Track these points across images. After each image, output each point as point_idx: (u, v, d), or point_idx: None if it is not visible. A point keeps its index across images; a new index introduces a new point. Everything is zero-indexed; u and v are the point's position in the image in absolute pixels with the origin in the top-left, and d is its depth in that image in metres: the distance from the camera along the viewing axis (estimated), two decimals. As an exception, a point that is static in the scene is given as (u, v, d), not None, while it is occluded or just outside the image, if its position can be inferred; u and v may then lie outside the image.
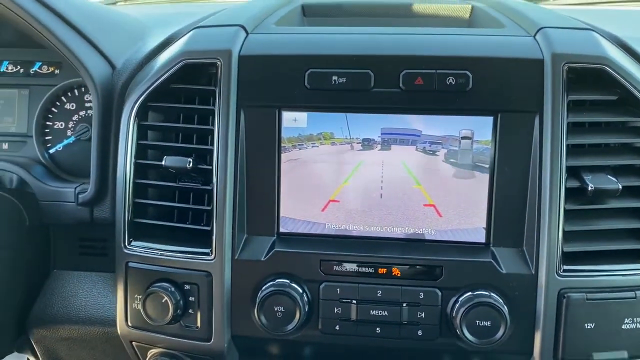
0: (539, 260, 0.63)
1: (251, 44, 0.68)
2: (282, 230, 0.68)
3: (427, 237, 0.67)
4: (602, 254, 0.64)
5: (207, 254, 0.66)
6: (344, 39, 0.68)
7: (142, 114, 0.69)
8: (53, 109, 0.87)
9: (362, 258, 0.66)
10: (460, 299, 0.64)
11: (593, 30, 0.68)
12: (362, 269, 0.66)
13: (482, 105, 0.64)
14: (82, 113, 0.86)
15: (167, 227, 0.69)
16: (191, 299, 0.67)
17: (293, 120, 0.67)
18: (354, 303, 0.65)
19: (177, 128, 0.70)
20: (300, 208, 0.68)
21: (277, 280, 0.65)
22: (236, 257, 0.66)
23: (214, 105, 0.67)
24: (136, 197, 0.69)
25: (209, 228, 0.67)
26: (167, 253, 0.68)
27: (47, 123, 0.86)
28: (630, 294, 0.63)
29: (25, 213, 0.77)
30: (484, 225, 0.66)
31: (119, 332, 0.72)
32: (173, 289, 0.66)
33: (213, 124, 0.67)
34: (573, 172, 0.64)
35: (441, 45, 0.66)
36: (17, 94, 0.90)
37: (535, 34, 0.67)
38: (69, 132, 0.86)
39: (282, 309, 0.64)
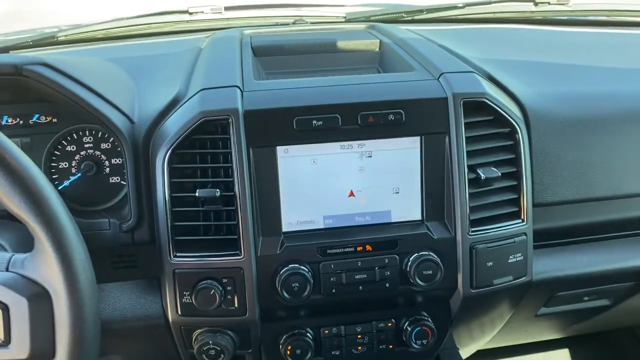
0: (456, 227, 0.98)
1: (250, 101, 0.94)
2: (285, 230, 0.97)
3: (386, 221, 0.99)
4: (493, 217, 1.01)
5: (237, 254, 0.93)
6: (317, 92, 0.96)
7: (171, 159, 0.93)
8: (56, 151, 1.05)
9: (345, 242, 0.96)
10: (411, 258, 0.97)
11: (474, 72, 1.03)
12: (346, 250, 0.96)
13: (413, 131, 0.97)
14: (83, 153, 1.06)
15: (200, 240, 0.94)
16: (229, 288, 0.93)
17: (285, 152, 0.95)
18: (343, 272, 0.96)
19: (202, 167, 0.94)
20: (296, 213, 0.97)
21: (290, 266, 0.94)
22: (259, 254, 0.94)
23: (228, 148, 0.93)
24: (175, 221, 0.93)
25: (236, 236, 0.93)
26: (206, 258, 0.93)
27: (52, 164, 1.05)
28: (511, 240, 1.01)
29: None
30: (420, 209, 1.00)
31: (170, 320, 0.97)
32: (216, 283, 0.92)
33: (231, 161, 0.93)
34: (471, 168, 0.99)
35: (383, 92, 0.97)
36: (19, 142, 1.06)
37: (438, 77, 1.01)
38: (73, 170, 1.06)
39: (297, 284, 0.93)
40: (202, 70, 1.06)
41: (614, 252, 1.16)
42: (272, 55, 1.23)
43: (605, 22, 1.64)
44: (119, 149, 1.01)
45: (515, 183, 1.01)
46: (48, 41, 1.46)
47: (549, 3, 1.63)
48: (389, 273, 0.97)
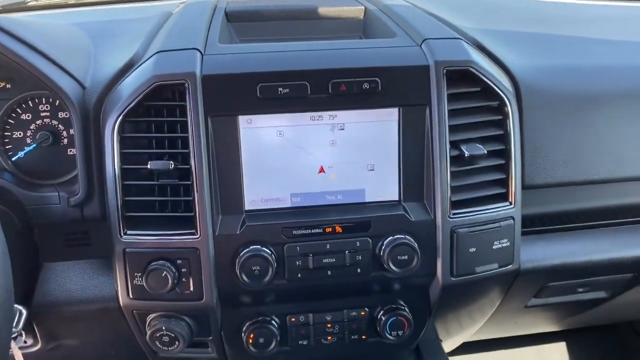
0: (435, 209, 0.89)
1: (209, 65, 0.85)
2: (247, 208, 0.88)
3: (360, 201, 0.90)
4: (477, 199, 0.92)
5: (193, 233, 0.85)
6: (284, 57, 0.88)
7: (122, 128, 0.85)
8: (10, 120, 0.97)
9: (312, 223, 0.88)
10: (385, 242, 0.88)
11: (461, 39, 0.94)
12: (314, 231, 0.88)
13: (390, 102, 0.88)
14: (39, 122, 0.97)
15: (153, 217, 0.86)
16: (183, 270, 0.85)
17: (247, 122, 0.86)
18: (310, 256, 0.88)
19: (156, 137, 0.86)
20: (260, 190, 0.88)
21: (251, 247, 0.86)
22: (216, 234, 0.86)
23: (185, 116, 0.84)
24: (125, 196, 0.85)
25: (192, 213, 0.85)
26: (159, 237, 0.85)
27: (6, 133, 0.97)
28: (497, 225, 0.92)
29: (15, 218, 0.90)
30: (397, 188, 0.91)
31: (121, 304, 0.89)
32: (169, 264, 0.84)
33: (186, 132, 0.84)
34: (454, 144, 0.90)
35: (357, 58, 0.88)
36: None
37: (421, 44, 0.91)
38: (28, 140, 0.98)
39: (258, 267, 0.85)
40: (164, 33, 0.97)
41: (611, 240, 1.06)
42: (247, 21, 1.14)
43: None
44: None
45: (503, 162, 0.92)
46: (18, 7, 1.39)
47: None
48: (360, 257, 0.89)
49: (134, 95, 0.83)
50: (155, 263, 0.84)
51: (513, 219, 0.93)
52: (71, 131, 0.96)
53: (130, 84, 0.86)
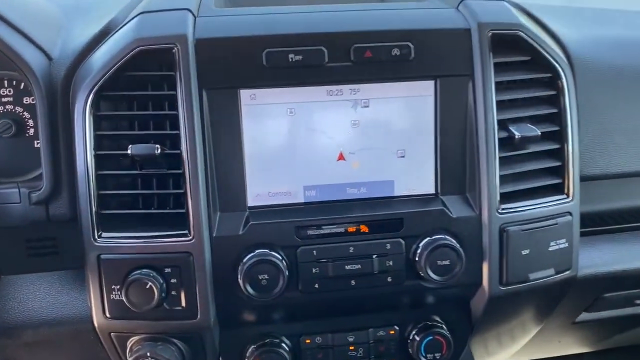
0: (481, 203, 0.73)
1: (204, 28, 0.69)
2: (251, 204, 0.72)
3: (388, 195, 0.74)
4: (528, 191, 0.76)
5: (184, 235, 0.68)
6: (296, 18, 0.72)
7: (96, 105, 0.68)
8: None
9: (333, 220, 0.72)
10: (421, 244, 0.72)
11: (504, 1, 0.79)
12: (334, 230, 0.72)
13: (424, 72, 0.72)
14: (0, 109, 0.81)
15: (135, 215, 0.70)
16: (173, 281, 0.68)
17: (251, 98, 0.70)
18: (330, 261, 0.71)
19: (138, 116, 0.69)
20: (267, 181, 0.72)
21: (257, 251, 0.69)
22: (214, 235, 0.69)
23: (174, 90, 0.68)
24: (100, 189, 0.69)
25: (183, 210, 0.69)
26: (142, 240, 0.68)
27: None
28: (553, 221, 0.76)
29: None
30: (434, 178, 0.75)
31: (95, 324, 0.72)
32: (154, 274, 0.67)
33: (176, 109, 0.68)
34: (501, 124, 0.74)
35: (385, 20, 0.73)
36: None
37: (457, 6, 0.76)
38: None
39: (266, 276, 0.68)
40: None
41: None
42: None
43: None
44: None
45: (557, 146, 0.77)
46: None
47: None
48: (391, 263, 0.72)
49: (111, 63, 0.67)
50: (138, 272, 0.67)
51: (571, 214, 0.77)
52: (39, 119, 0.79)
53: (107, 51, 0.70)
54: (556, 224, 0.76)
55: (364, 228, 0.72)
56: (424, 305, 0.80)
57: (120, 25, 0.73)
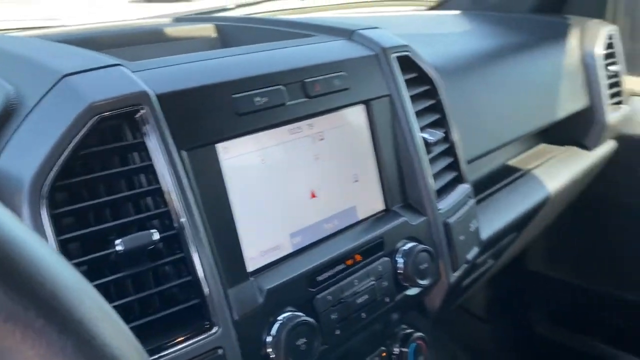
0: (425, 206, 0.81)
1: (156, 82, 0.58)
2: (250, 269, 0.63)
3: (355, 221, 0.75)
4: (445, 187, 0.87)
5: (206, 328, 0.56)
6: (250, 59, 0.67)
7: (51, 201, 0.50)
8: None
9: (332, 259, 0.68)
10: (401, 256, 0.75)
11: (380, 28, 0.88)
12: (337, 268, 0.68)
13: (357, 98, 0.76)
14: None
15: (136, 327, 0.53)
16: None
17: (226, 151, 0.62)
18: (343, 301, 0.68)
19: (110, 201, 0.53)
20: (256, 240, 0.64)
21: (283, 316, 0.61)
22: (235, 317, 0.58)
23: (148, 159, 0.55)
24: None
25: (197, 300, 0.56)
26: (165, 352, 0.53)
27: None
28: (467, 206, 0.89)
29: None
30: (381, 195, 0.79)
31: None
32: None
33: (156, 181, 0.55)
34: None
35: (317, 54, 0.73)
36: None
37: (351, 37, 0.82)
38: None
39: (304, 340, 0.61)
40: (33, 59, 0.62)
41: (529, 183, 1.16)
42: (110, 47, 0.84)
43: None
44: None
45: (448, 145, 0.90)
46: None
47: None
48: (386, 283, 0.73)
49: (61, 144, 0.50)
50: None
51: (470, 197, 0.92)
52: None
53: (43, 131, 0.51)
54: (469, 207, 0.89)
55: (358, 257, 0.71)
56: (397, 317, 0.82)
57: (40, 97, 0.54)
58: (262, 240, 0.65)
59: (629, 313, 1.64)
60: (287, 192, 0.68)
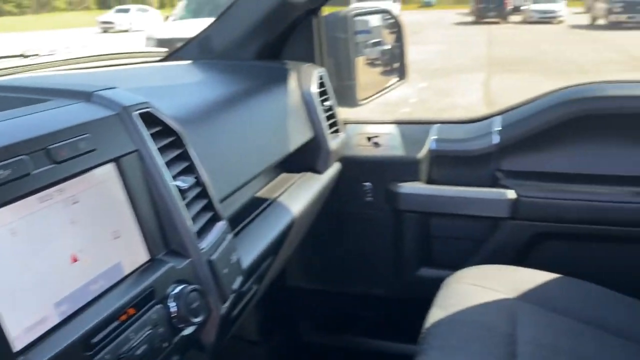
0: (187, 248, 0.86)
1: None
2: (17, 349, 0.60)
3: (122, 277, 0.77)
4: (204, 226, 0.94)
5: None
6: None
7: None
8: None
9: (104, 318, 0.69)
10: (172, 300, 0.80)
11: (116, 87, 0.91)
12: (111, 326, 0.69)
13: (105, 157, 0.78)
14: None
15: None
16: None
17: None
18: (123, 356, 0.69)
19: None
20: (21, 316, 0.62)
21: None
22: None
23: None
24: None
25: None
26: None
27: None
28: (226, 241, 0.97)
29: None
30: (144, 246, 0.82)
31: None
32: None
33: None
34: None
35: (62, 119, 0.74)
36: None
37: (90, 99, 0.84)
38: None
39: None
40: None
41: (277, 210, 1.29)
42: None
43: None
44: None
45: (201, 189, 0.98)
46: None
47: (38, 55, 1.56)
48: (162, 329, 0.77)
49: None
50: None
51: (228, 233, 1.00)
52: None
53: None
54: (228, 242, 0.97)
55: (131, 311, 0.73)
56: (178, 358, 0.86)
57: None
58: (25, 316, 0.63)
59: (377, 305, 1.93)
60: (45, 261, 0.67)
